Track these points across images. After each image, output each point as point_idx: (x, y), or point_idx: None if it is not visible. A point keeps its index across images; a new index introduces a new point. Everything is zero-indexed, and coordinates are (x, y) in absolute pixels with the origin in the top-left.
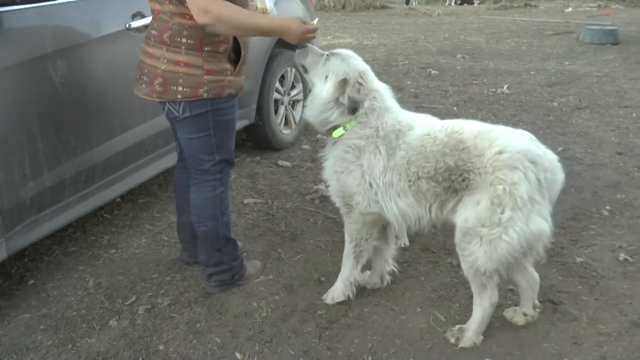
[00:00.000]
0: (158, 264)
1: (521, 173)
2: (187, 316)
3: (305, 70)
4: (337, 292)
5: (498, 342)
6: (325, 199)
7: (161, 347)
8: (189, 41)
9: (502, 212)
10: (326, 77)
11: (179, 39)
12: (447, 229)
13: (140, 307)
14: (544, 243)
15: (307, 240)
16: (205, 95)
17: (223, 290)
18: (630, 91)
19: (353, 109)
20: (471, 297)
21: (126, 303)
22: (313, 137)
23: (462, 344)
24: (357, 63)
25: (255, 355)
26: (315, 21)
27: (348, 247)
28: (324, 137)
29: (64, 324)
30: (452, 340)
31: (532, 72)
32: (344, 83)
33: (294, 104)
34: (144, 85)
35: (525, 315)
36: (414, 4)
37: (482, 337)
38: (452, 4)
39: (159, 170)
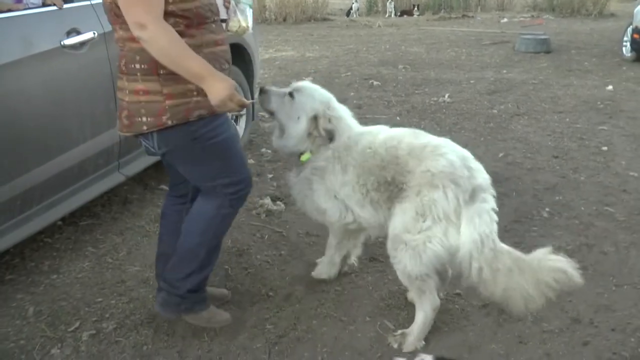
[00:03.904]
0: (102, 287)
1: (441, 192)
2: (133, 339)
3: (272, 114)
4: (320, 270)
5: (447, 346)
6: (271, 213)
7: None
8: (142, 66)
9: (423, 222)
10: (298, 117)
11: (133, 65)
12: None
13: (84, 333)
14: (467, 257)
15: (254, 256)
16: (169, 122)
17: (164, 312)
18: (563, 97)
19: (330, 138)
20: None
21: (69, 330)
22: (257, 152)
23: (405, 349)
24: (321, 95)
25: None
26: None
27: (331, 240)
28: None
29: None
30: (395, 345)
31: (471, 81)
32: (314, 119)
33: (237, 119)
34: (118, 121)
35: None
36: (354, 15)
37: (423, 342)
38: (392, 15)
39: (101, 190)
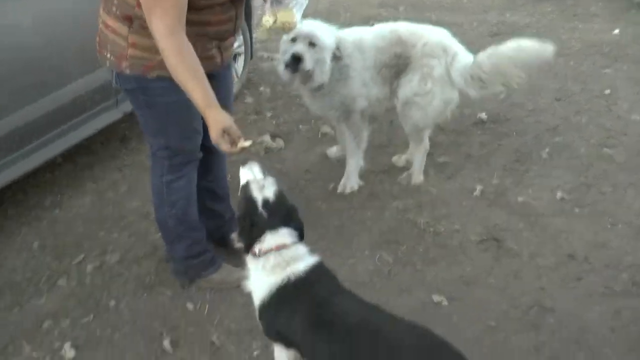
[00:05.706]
0: (104, 222)
1: (436, 59)
2: (136, 271)
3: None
4: (352, 181)
5: (445, 280)
6: (270, 150)
7: (112, 303)
8: (117, 12)
9: (426, 85)
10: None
11: (110, 4)
12: (392, 175)
13: (88, 266)
14: (453, 107)
15: None
16: (127, 71)
17: (178, 279)
18: (568, 41)
19: (339, 56)
20: (415, 238)
21: (73, 262)
22: (256, 91)
23: (413, 182)
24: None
25: (207, 303)
26: (247, 143)
27: (352, 144)
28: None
29: (8, 288)
30: (404, 183)
31: (474, 24)
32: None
33: (235, 57)
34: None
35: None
36: None
37: (422, 176)
38: None
39: (99, 127)
